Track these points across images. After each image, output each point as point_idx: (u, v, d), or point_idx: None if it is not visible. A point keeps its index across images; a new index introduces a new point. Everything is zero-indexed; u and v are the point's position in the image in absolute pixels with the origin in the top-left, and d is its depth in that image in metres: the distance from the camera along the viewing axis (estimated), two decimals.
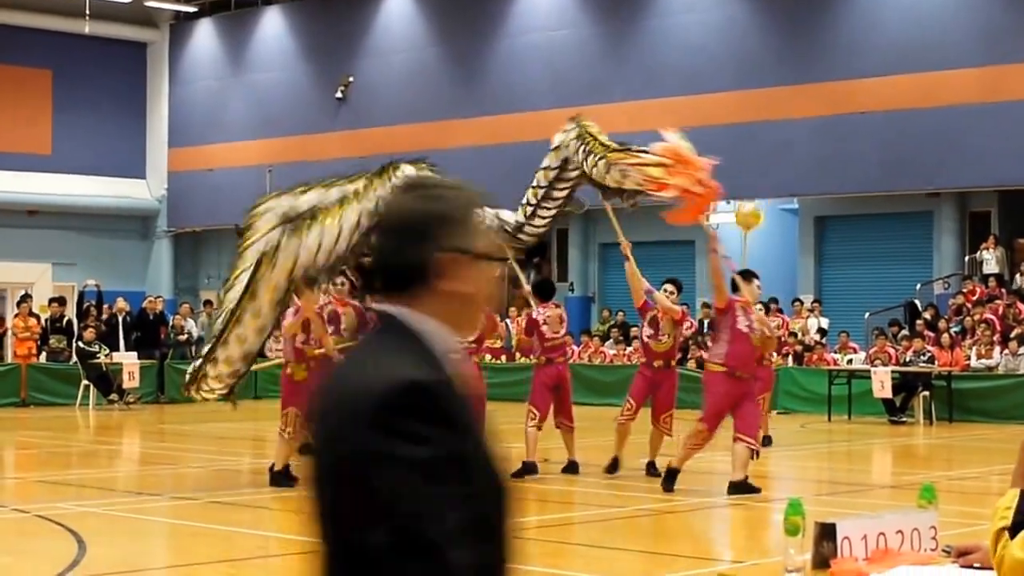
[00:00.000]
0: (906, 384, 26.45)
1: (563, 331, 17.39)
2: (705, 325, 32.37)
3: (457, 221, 2.97)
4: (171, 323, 33.54)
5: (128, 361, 29.88)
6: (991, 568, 4.51)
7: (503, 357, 31.78)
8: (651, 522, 13.54)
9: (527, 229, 17.05)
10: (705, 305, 32.99)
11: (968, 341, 27.72)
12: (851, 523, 5.18)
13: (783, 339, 30.38)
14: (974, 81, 29.58)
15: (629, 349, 31.71)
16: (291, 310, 15.62)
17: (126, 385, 29.46)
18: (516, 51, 36.24)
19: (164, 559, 11.91)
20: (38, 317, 32.21)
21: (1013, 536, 4.40)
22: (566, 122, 17.33)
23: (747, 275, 15.78)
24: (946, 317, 28.98)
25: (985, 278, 30.03)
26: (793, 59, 31.93)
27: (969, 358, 27.17)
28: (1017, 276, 30.00)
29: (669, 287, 16.97)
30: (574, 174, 16.83)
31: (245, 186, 40.70)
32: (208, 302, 37.30)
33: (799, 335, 29.88)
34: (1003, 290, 29.47)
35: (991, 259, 30.32)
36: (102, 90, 42.03)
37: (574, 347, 29.51)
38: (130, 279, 41.08)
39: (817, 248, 33.68)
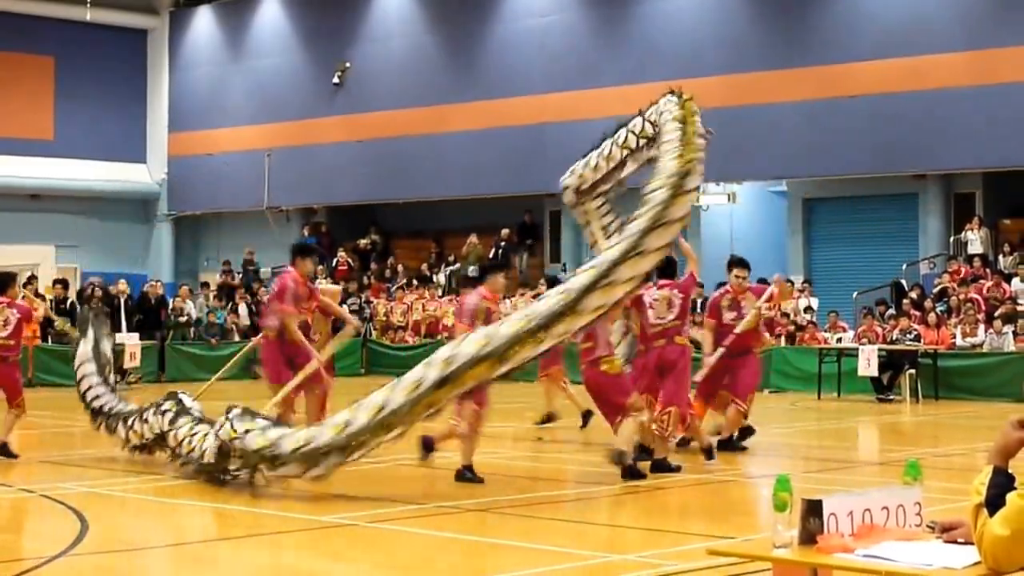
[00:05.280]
0: (893, 362, 26.76)
1: (671, 315, 15.51)
2: (698, 304, 32.71)
3: None
4: (171, 305, 33.91)
5: (130, 342, 30.27)
6: (974, 543, 4.88)
7: None
8: (639, 498, 13.58)
9: None
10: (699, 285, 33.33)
11: (953, 320, 27.89)
12: (837, 500, 5.26)
13: (774, 319, 30.83)
14: (960, 65, 29.81)
15: None
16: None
17: (127, 365, 29.73)
18: (510, 36, 36.43)
19: (165, 537, 11.89)
20: (43, 298, 32.51)
21: (990, 512, 4.77)
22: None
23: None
24: (932, 296, 29.23)
25: (970, 258, 30.28)
26: (782, 44, 32.17)
27: (954, 337, 27.38)
28: (1001, 256, 30.35)
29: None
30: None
31: (244, 170, 41.16)
32: (206, 284, 37.71)
33: (791, 315, 30.18)
34: (987, 270, 29.67)
35: (976, 240, 30.54)
36: (103, 76, 42.25)
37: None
38: (132, 262, 41.41)
39: (806, 229, 33.87)
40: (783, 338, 29.30)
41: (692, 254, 16.05)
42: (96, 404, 16.17)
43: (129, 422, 15.25)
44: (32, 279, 33.21)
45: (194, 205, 42.94)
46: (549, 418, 19.84)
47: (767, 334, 30.59)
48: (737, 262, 17.17)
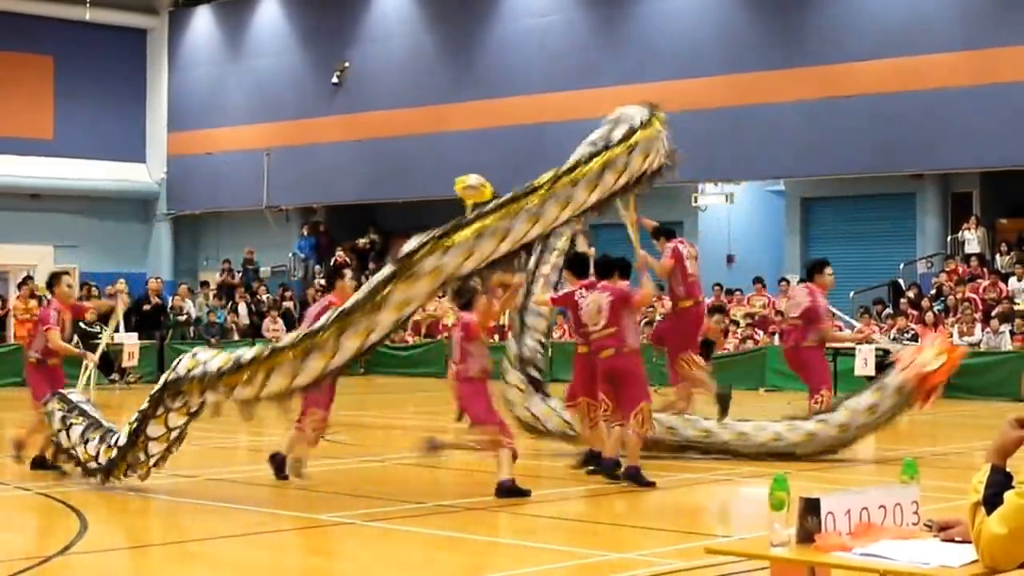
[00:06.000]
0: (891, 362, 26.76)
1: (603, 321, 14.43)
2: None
3: None
4: (170, 304, 33.93)
5: (129, 342, 30.28)
6: (971, 542, 4.93)
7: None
8: (637, 497, 13.60)
9: None
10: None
11: (951, 319, 27.98)
12: (835, 498, 5.31)
13: (769, 317, 30.84)
14: (958, 65, 29.81)
15: None
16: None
17: (125, 364, 29.75)
18: (509, 36, 36.43)
19: (164, 535, 11.98)
20: (39, 299, 32.56)
21: (988, 510, 4.80)
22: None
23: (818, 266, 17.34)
24: (929, 296, 29.30)
25: (967, 258, 30.37)
26: (781, 43, 32.18)
27: (952, 336, 27.48)
28: (998, 256, 30.42)
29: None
30: None
31: (243, 170, 41.17)
32: (205, 283, 37.75)
33: (786, 314, 30.09)
34: (984, 269, 29.77)
35: (973, 239, 30.62)
36: (103, 76, 42.21)
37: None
38: (131, 261, 41.45)
39: (803, 229, 33.90)
40: (778, 336, 29.29)
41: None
42: (72, 419, 14.45)
43: (98, 439, 13.91)
44: (28, 279, 33.25)
45: (193, 204, 42.94)
46: None
47: (761, 332, 30.73)
48: (828, 262, 17.46)
